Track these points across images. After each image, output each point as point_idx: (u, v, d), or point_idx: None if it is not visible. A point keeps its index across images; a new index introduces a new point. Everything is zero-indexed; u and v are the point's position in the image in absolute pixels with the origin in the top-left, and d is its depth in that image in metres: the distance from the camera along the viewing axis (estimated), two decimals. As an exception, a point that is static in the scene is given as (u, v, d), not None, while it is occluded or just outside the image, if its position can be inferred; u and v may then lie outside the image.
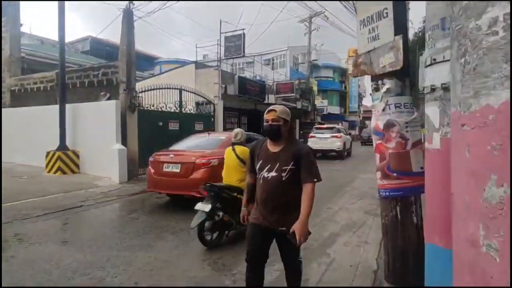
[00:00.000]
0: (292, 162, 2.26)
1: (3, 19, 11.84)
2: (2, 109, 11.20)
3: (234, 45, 13.33)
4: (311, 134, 16.37)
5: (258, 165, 2.36)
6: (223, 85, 13.82)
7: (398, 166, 3.00)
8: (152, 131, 9.98)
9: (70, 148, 9.55)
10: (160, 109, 10.36)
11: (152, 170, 6.18)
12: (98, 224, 5.14)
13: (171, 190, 6.08)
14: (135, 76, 9.81)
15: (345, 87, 44.86)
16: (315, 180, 2.30)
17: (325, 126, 18.04)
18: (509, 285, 1.00)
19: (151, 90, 10.03)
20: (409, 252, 2.97)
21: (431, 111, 2.00)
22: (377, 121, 3.13)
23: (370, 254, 3.77)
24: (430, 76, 2.01)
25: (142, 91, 9.71)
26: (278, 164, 2.28)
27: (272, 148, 2.37)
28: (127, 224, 5.08)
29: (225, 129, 14.77)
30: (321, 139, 15.52)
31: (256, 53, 32.66)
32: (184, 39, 43.70)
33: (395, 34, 2.99)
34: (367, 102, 50.54)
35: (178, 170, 5.78)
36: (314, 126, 18.01)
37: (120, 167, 8.68)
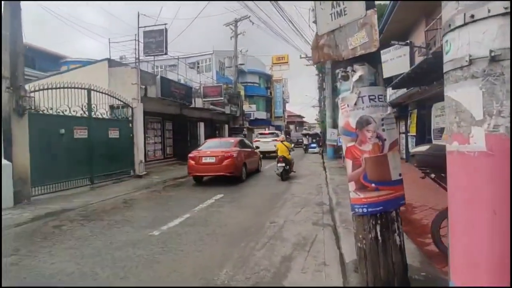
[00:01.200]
0: None
1: None
2: None
3: (155, 41, 11.88)
4: (255, 139, 19.83)
5: None
6: (143, 86, 12.20)
7: (376, 174, 2.37)
8: (51, 141, 8.03)
9: None
10: (61, 113, 8.42)
11: (193, 162, 9.75)
12: None
13: (209, 173, 9.79)
14: (23, 71, 7.72)
15: (270, 92, 46.01)
16: None
17: (267, 132, 23.28)
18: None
19: (47, 89, 8.06)
20: (394, 283, 2.35)
21: (466, 95, 1.34)
22: (347, 118, 2.46)
23: (335, 281, 3.09)
24: (462, 42, 1.35)
25: (34, 91, 7.70)
26: None
27: None
28: (-2, 274, 3.50)
29: (145, 135, 13.56)
30: (264, 143, 18.88)
31: (180, 55, 31.07)
32: (98, 36, 39.15)
33: (367, 8, 2.38)
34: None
35: (213, 160, 9.52)
36: (258, 132, 22.81)
37: (4, 189, 6.59)
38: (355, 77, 2.41)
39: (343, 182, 9.33)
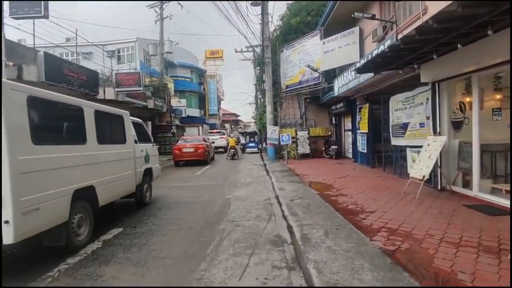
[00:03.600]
0: None
1: None
2: None
3: (28, -3, 8.15)
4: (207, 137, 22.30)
5: None
6: (11, 63, 8.35)
7: None
8: None
9: None
10: None
11: (177, 152, 15.10)
12: None
13: (188, 158, 14.95)
14: None
15: (204, 88, 42.73)
16: None
17: (215, 131, 28.90)
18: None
19: None
20: None
21: None
22: None
23: None
24: None
25: None
26: None
27: None
28: None
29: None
30: (214, 141, 21.72)
31: (96, 42, 26.20)
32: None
33: None
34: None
35: (192, 150, 15.01)
36: (208, 131, 27.86)
37: None
38: None
39: (297, 193, 7.10)
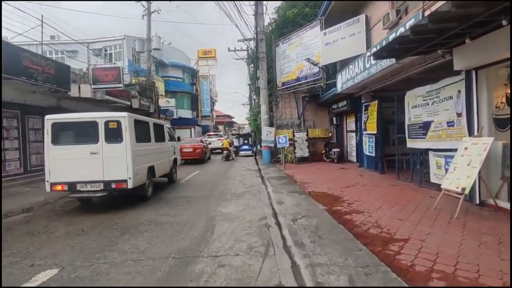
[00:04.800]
0: None
1: None
2: None
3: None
4: (204, 139, 23.30)
5: None
6: None
7: None
8: None
9: None
10: None
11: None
12: None
13: (189, 157, 16.86)
14: None
15: (197, 89, 41.15)
16: None
17: (213, 133, 31.32)
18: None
19: None
20: None
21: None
22: None
23: None
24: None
25: None
26: None
27: None
28: None
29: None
30: (211, 142, 23.57)
31: (81, 40, 24.67)
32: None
33: None
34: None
35: (191, 150, 17.20)
36: (207, 134, 29.53)
37: None
38: None
39: (300, 209, 5.66)
